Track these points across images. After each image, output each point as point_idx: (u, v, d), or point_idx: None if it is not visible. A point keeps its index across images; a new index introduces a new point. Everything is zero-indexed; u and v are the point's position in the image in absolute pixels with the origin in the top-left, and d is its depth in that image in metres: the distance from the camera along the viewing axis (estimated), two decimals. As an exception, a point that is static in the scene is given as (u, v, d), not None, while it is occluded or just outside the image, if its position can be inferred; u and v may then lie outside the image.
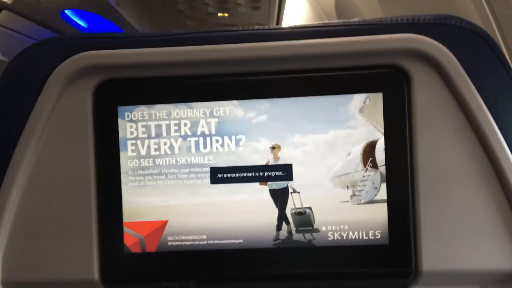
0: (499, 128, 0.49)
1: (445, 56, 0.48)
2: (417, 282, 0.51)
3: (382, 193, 0.51)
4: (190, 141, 0.52)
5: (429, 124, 0.50)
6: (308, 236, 0.51)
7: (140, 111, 0.52)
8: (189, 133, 0.52)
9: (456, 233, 0.49)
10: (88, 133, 0.51)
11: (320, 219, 0.51)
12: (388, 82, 0.50)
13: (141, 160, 0.52)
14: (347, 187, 0.51)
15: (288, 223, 0.51)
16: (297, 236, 0.51)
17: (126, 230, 0.52)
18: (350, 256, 0.51)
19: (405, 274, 0.50)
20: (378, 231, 0.51)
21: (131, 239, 0.52)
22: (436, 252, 0.49)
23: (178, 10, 2.12)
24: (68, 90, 0.51)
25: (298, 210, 0.51)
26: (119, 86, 0.52)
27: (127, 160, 0.52)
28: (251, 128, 0.51)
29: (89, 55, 0.50)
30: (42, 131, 0.51)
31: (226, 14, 2.19)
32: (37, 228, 0.51)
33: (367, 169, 0.51)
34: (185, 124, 0.52)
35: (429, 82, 0.50)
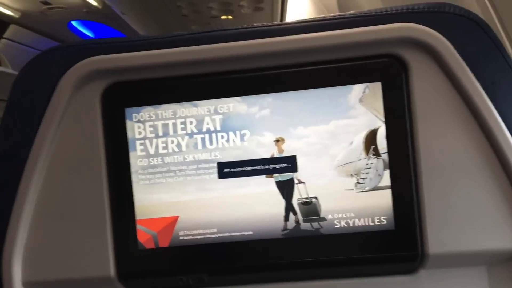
0: (498, 111, 0.50)
1: (440, 43, 0.50)
2: (424, 265, 0.52)
3: (386, 180, 0.52)
4: (196, 138, 0.53)
5: (429, 110, 0.51)
6: (315, 225, 0.53)
7: (147, 112, 0.53)
8: (195, 130, 0.53)
9: (460, 215, 0.50)
10: (98, 136, 0.53)
11: (326, 208, 0.52)
12: (386, 71, 0.51)
13: (150, 159, 0.54)
14: (351, 175, 0.52)
15: (295, 213, 0.53)
16: (304, 226, 0.53)
17: (139, 227, 0.54)
18: (357, 242, 0.52)
19: (412, 258, 0.51)
20: (384, 216, 0.52)
21: (144, 236, 0.54)
22: (442, 234, 0.50)
23: (182, 15, 2.15)
24: (76, 95, 0.53)
25: (304, 200, 0.53)
26: (126, 89, 0.53)
27: (136, 159, 0.54)
28: (255, 123, 0.53)
29: (96, 60, 0.52)
30: (54, 137, 0.53)
31: (230, 17, 2.22)
32: (54, 229, 0.53)
33: (369, 157, 0.52)
34: (191, 122, 0.53)
35: (426, 70, 0.51)
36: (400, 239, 0.51)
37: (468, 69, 0.49)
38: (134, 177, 0.54)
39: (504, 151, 0.49)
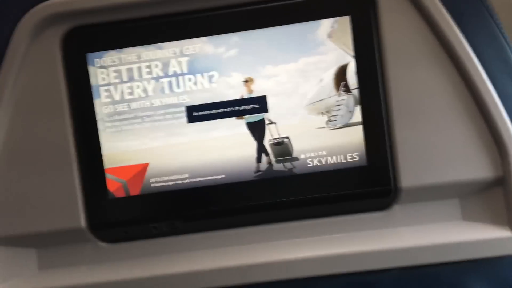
0: (466, 38, 0.49)
1: None
2: (398, 200, 0.52)
3: (357, 116, 0.51)
4: (163, 82, 0.52)
5: (399, 44, 0.50)
6: (288, 165, 0.52)
7: (110, 56, 0.51)
8: (161, 74, 0.52)
9: (432, 148, 0.50)
10: (60, 83, 0.51)
11: (298, 147, 0.52)
12: (355, 5, 0.50)
13: (116, 105, 0.52)
14: (322, 113, 0.52)
15: (267, 154, 0.52)
16: (277, 166, 0.52)
17: (108, 176, 0.52)
18: (330, 180, 0.52)
19: (386, 192, 0.51)
20: (356, 153, 0.51)
21: (114, 184, 0.52)
22: (414, 168, 0.50)
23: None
24: (35, 42, 0.51)
25: (276, 141, 0.52)
26: (86, 33, 0.51)
27: (101, 106, 0.52)
28: (223, 64, 0.51)
29: (53, 4, 0.50)
30: (13, 87, 0.51)
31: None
32: (19, 182, 0.51)
33: (340, 94, 0.51)
34: (156, 66, 0.52)
35: (396, 2, 0.50)
36: (373, 175, 0.51)
37: (439, 2, 0.49)
38: (100, 125, 0.52)
39: (475, 81, 0.49)
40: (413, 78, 0.50)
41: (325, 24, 0.50)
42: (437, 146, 0.50)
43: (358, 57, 0.51)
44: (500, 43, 0.50)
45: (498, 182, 0.50)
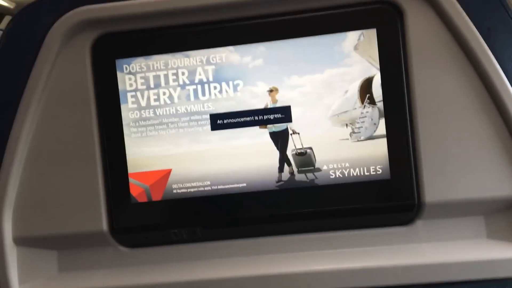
0: (495, 56, 0.49)
1: None
2: (421, 215, 0.51)
3: (381, 129, 0.51)
4: (188, 89, 0.52)
5: (424, 57, 0.50)
6: (310, 176, 0.52)
7: (138, 63, 0.52)
8: (187, 81, 0.52)
9: (457, 163, 0.50)
10: (88, 88, 0.52)
11: (321, 158, 0.51)
12: (382, 18, 0.50)
13: (142, 111, 0.53)
14: (346, 125, 0.51)
15: (289, 164, 0.52)
16: (299, 177, 0.52)
17: (131, 180, 0.53)
18: (353, 192, 0.51)
19: (409, 207, 0.51)
20: (379, 166, 0.51)
21: (137, 189, 0.53)
22: (438, 183, 0.50)
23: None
24: (66, 47, 0.52)
25: (299, 151, 0.52)
26: (116, 40, 0.52)
27: (128, 112, 0.53)
28: (248, 73, 0.52)
29: (84, 10, 0.51)
30: (43, 91, 0.52)
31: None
32: (44, 184, 0.52)
33: (365, 106, 0.51)
34: (183, 73, 0.52)
35: (422, 15, 0.50)
36: (396, 189, 0.51)
37: (464, 14, 0.48)
38: (126, 130, 0.53)
39: (501, 97, 0.48)
40: (438, 92, 0.50)
41: (352, 36, 0.51)
42: (462, 162, 0.50)
43: (384, 69, 0.50)
44: None
45: None
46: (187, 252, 0.54)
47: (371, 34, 0.51)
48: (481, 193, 0.50)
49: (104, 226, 0.52)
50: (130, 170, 0.53)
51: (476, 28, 0.49)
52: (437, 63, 0.50)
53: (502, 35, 0.49)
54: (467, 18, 0.49)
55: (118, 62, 0.52)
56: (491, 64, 0.48)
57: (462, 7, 0.49)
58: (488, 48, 0.49)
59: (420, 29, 0.50)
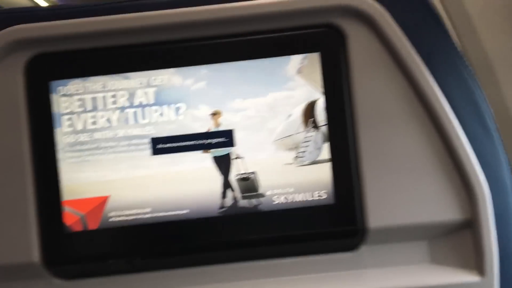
0: (436, 80, 0.49)
1: (378, 12, 0.49)
2: (365, 241, 0.50)
3: (325, 153, 0.50)
4: (128, 112, 0.50)
5: (367, 81, 0.50)
6: (253, 201, 0.50)
7: (75, 85, 0.50)
8: (126, 104, 0.50)
9: (401, 188, 0.49)
10: (20, 111, 0.50)
11: (265, 183, 0.50)
12: (324, 42, 0.50)
13: (78, 135, 0.50)
14: (290, 149, 0.51)
15: (233, 190, 0.51)
16: (242, 203, 0.50)
17: (66, 208, 0.50)
18: (297, 218, 0.50)
19: (353, 233, 0.50)
20: (324, 191, 0.50)
21: (71, 218, 0.50)
22: (382, 208, 0.49)
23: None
24: None
25: (242, 176, 0.50)
26: (50, 60, 0.50)
27: (63, 135, 0.50)
28: (190, 96, 0.50)
29: (17, 29, 0.49)
30: None
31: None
32: None
33: (308, 130, 0.51)
34: (122, 96, 0.50)
35: (364, 40, 0.50)
36: (340, 214, 0.50)
37: (405, 39, 0.49)
38: (60, 155, 0.50)
39: (442, 121, 0.49)
40: (381, 116, 0.50)
41: (295, 60, 0.50)
42: (406, 187, 0.50)
43: (327, 93, 0.50)
44: (468, 86, 0.50)
45: (466, 225, 0.49)
46: (126, 283, 0.51)
47: (314, 58, 0.50)
48: (424, 218, 0.49)
49: (36, 257, 0.49)
50: (66, 197, 0.50)
51: (417, 52, 0.49)
52: (380, 88, 0.50)
53: (442, 59, 0.50)
54: (408, 43, 0.49)
55: (53, 84, 0.50)
56: (430, 88, 0.49)
57: (403, 31, 0.49)
58: (428, 72, 0.49)
59: (362, 54, 0.50)
